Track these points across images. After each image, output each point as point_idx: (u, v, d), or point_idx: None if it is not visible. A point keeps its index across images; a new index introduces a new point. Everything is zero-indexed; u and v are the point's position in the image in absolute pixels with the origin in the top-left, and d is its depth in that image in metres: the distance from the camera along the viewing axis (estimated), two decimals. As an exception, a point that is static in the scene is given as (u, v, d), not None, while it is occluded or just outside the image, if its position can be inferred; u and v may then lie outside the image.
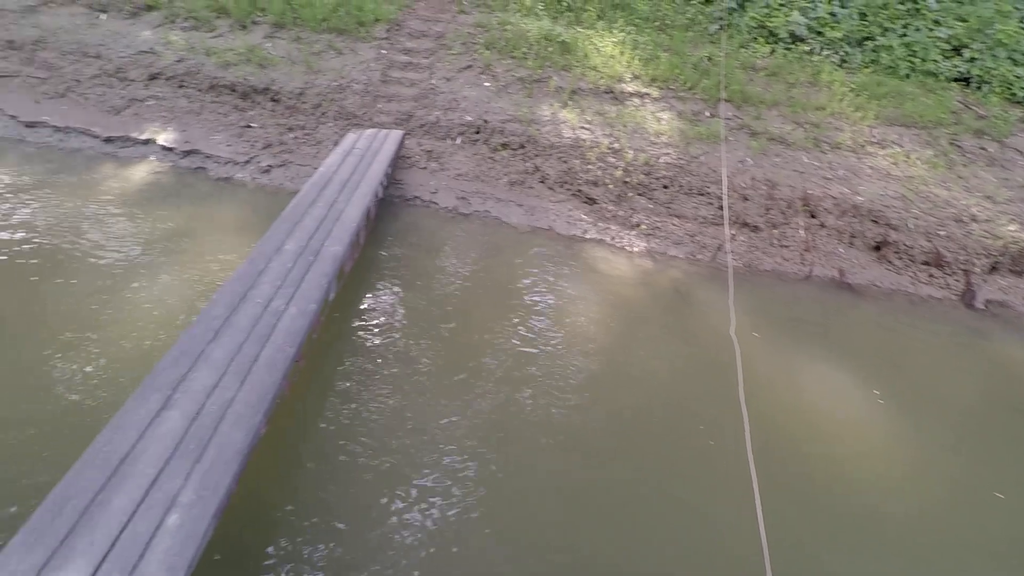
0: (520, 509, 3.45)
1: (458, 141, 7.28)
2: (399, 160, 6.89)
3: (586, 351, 4.75)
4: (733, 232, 6.25)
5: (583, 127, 7.23)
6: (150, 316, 4.36)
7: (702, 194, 6.82)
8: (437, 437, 3.78)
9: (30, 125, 6.97)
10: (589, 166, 6.89)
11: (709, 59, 8.04)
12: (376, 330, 4.61)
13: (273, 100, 7.56)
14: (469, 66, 8.06)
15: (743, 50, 8.29)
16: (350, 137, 6.83)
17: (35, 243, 5.02)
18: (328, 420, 3.75)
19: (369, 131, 7.05)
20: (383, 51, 8.31)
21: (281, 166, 6.83)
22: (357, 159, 6.21)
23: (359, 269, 5.18)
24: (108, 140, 6.93)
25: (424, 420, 3.88)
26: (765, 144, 7.19)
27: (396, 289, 5.14)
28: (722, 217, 6.59)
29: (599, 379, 4.50)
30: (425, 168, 7.02)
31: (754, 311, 5.51)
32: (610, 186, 6.76)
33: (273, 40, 8.29)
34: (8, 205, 5.52)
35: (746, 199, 6.72)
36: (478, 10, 9.12)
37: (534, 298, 5.34)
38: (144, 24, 8.49)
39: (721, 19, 8.65)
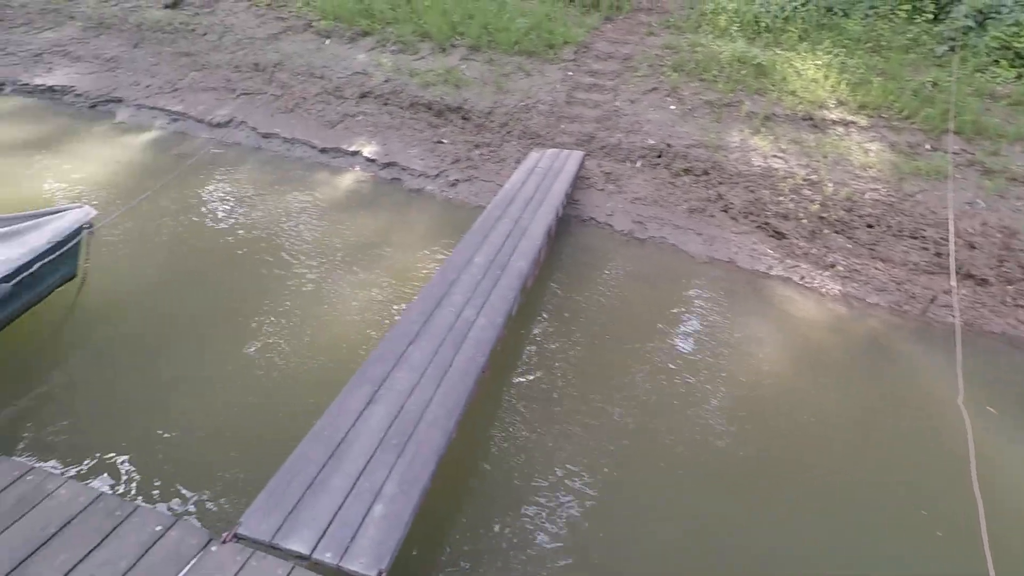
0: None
1: (638, 164, 7.17)
2: (578, 180, 6.94)
3: (763, 399, 4.37)
4: (956, 284, 5.42)
5: (776, 155, 6.76)
6: (353, 310, 4.80)
7: (915, 237, 6.02)
8: (600, 462, 3.69)
9: (266, 136, 8.11)
10: (780, 198, 6.41)
11: (934, 84, 7.12)
12: (547, 347, 4.64)
13: (464, 118, 8.05)
14: (654, 88, 7.94)
15: (979, 75, 7.23)
16: (533, 156, 7.04)
17: (263, 237, 5.79)
18: (496, 431, 3.83)
19: (551, 151, 7.21)
20: (569, 73, 8.49)
21: (467, 181, 7.22)
22: (540, 177, 6.37)
23: (536, 284, 5.28)
24: (323, 151, 7.84)
25: (588, 443, 3.81)
26: (1003, 185, 6.18)
27: (568, 308, 5.15)
28: (937, 265, 5.76)
29: (780, 434, 4.11)
30: (603, 190, 7.01)
31: (982, 380, 4.70)
32: (803, 221, 6.22)
33: (468, 62, 8.85)
34: (246, 204, 6.45)
35: (973, 247, 5.81)
36: (668, 32, 8.98)
37: (709, 333, 5.05)
38: (360, 48, 9.53)
39: (952, 39, 7.64)
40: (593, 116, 7.80)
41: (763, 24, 8.37)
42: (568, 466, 3.65)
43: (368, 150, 7.69)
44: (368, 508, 2.47)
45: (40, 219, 4.23)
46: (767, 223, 6.33)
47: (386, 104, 8.41)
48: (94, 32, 10.39)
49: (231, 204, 6.42)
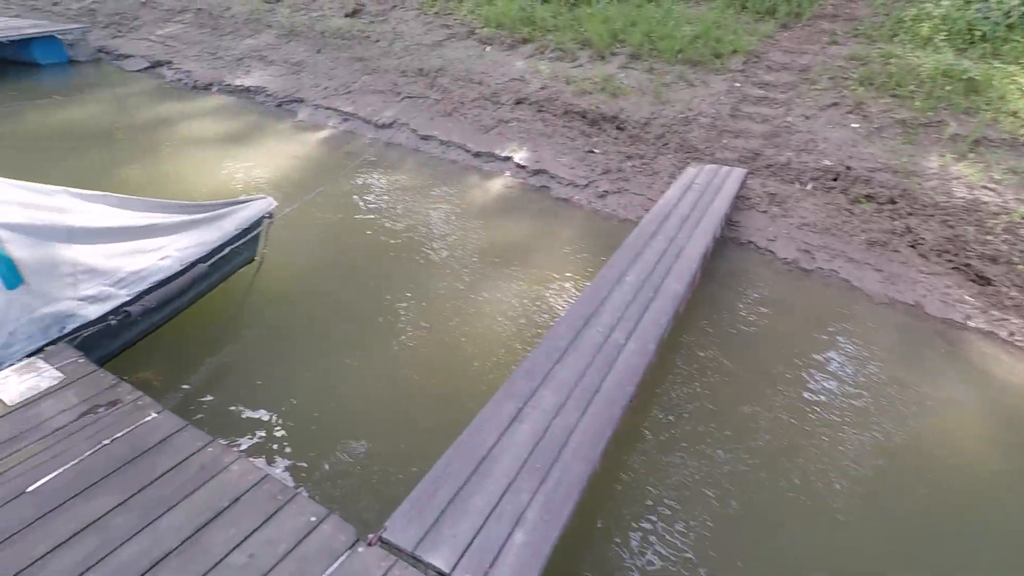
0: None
1: (809, 187, 6.51)
2: (738, 199, 6.45)
3: (958, 486, 3.69)
4: None
5: (986, 187, 5.79)
6: (499, 317, 4.80)
7: None
8: (748, 514, 3.31)
9: (424, 138, 8.47)
10: (988, 236, 5.47)
11: None
12: (693, 380, 4.30)
13: (618, 128, 7.84)
14: (835, 103, 7.18)
15: None
16: (690, 171, 6.66)
17: (416, 236, 6.01)
18: (627, 458, 3.59)
19: (710, 166, 6.78)
20: (736, 84, 7.96)
21: (616, 193, 7.01)
22: (697, 195, 6.00)
23: (687, 309, 4.94)
24: (476, 155, 8.02)
25: (734, 493, 3.44)
26: None
27: (719, 340, 4.75)
28: None
29: (982, 530, 3.44)
30: (765, 212, 6.45)
31: None
32: (1018, 267, 5.25)
33: (627, 70, 8.62)
34: (403, 202, 6.75)
35: None
36: (855, 41, 8.11)
37: (887, 388, 4.39)
38: (519, 55, 9.66)
39: None
40: (760, 131, 7.22)
41: (979, 32, 7.25)
42: (704, 517, 3.32)
43: (519, 156, 7.75)
44: (509, 533, 2.37)
45: (232, 207, 4.68)
46: (968, 265, 5.42)
47: (540, 111, 8.43)
48: (285, 39, 11.56)
49: (389, 202, 6.76)
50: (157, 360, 4.09)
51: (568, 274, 5.47)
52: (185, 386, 3.97)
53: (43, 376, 2.80)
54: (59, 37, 11.51)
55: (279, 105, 9.78)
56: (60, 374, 2.83)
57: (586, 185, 7.17)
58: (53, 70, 11.28)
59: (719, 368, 4.43)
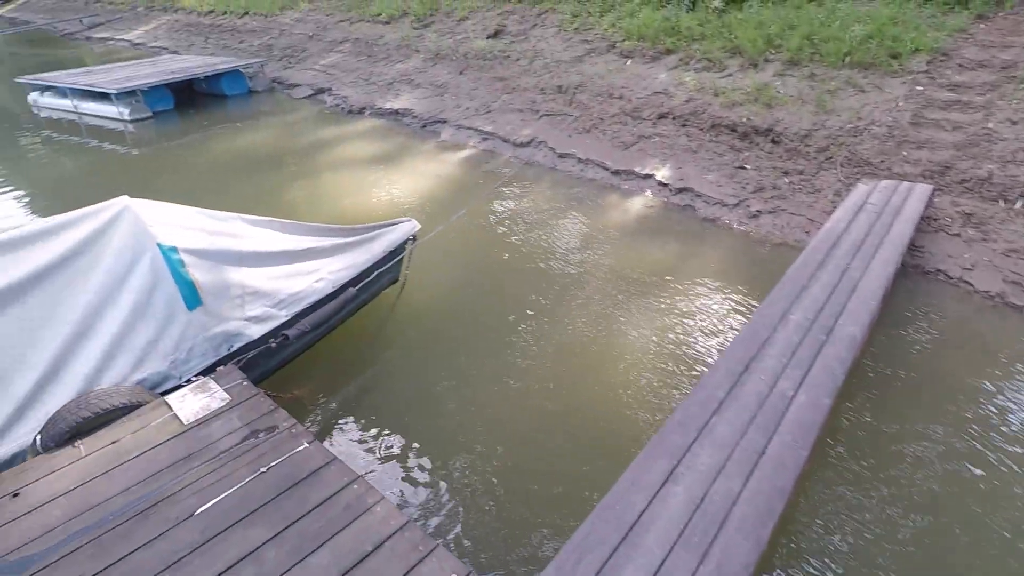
0: None
1: (1018, 205, 5.46)
2: (921, 222, 5.57)
3: None
4: None
5: None
6: (640, 353, 4.50)
7: None
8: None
9: (562, 156, 8.36)
10: None
11: None
12: (865, 445, 3.68)
13: (773, 142, 7.17)
14: (1054, 107, 5.99)
15: None
16: (862, 189, 5.87)
17: (553, 257, 5.87)
18: (792, 533, 3.11)
19: (886, 183, 5.94)
20: (919, 87, 6.95)
21: (771, 212, 6.38)
22: (872, 217, 5.25)
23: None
24: (615, 173, 7.75)
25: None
26: None
27: (900, 392, 4.06)
28: None
29: None
30: (958, 235, 5.51)
31: None
32: None
33: (783, 78, 7.89)
34: (540, 223, 6.67)
35: None
36: (1081, 31, 6.74)
37: None
38: (662, 67, 9.26)
39: None
40: (951, 141, 6.21)
41: None
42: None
43: (661, 174, 7.36)
44: (663, 621, 2.09)
45: (380, 230, 4.85)
46: None
47: (684, 125, 7.97)
48: (431, 62, 12.09)
49: (526, 222, 6.70)
50: (307, 379, 4.30)
51: (719, 306, 5.01)
52: (331, 405, 4.13)
53: (214, 397, 3.00)
54: (242, 70, 13.00)
55: (424, 126, 10.21)
56: (227, 396, 3.01)
57: (736, 204, 6.62)
58: (236, 100, 12.75)
59: (901, 433, 3.76)
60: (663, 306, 5.05)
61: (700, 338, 4.62)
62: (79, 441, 2.75)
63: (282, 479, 2.54)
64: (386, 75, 12.20)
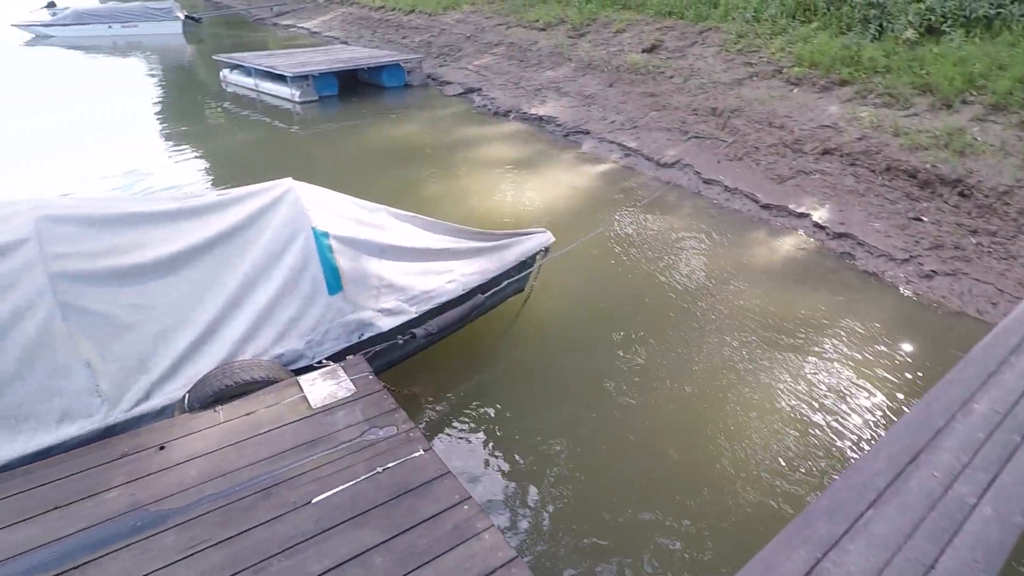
0: None
1: None
2: None
3: None
4: None
5: None
6: (780, 421, 4.07)
7: None
8: None
9: (707, 182, 7.91)
10: None
11: None
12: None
13: (961, 195, 6.28)
14: None
15: None
16: (1076, 264, 4.94)
17: (685, 288, 5.52)
18: None
19: (1110, 262, 4.96)
20: None
21: (949, 275, 5.57)
22: (1089, 301, 4.39)
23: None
24: (765, 207, 7.18)
25: None
26: None
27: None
28: None
29: None
30: None
31: None
32: None
33: (983, 124, 6.90)
34: (675, 249, 6.32)
35: None
36: None
37: None
38: (833, 99, 8.48)
39: None
40: None
41: None
42: None
43: (819, 214, 6.71)
44: None
45: (515, 239, 4.79)
46: None
47: (853, 165, 7.22)
48: (581, 72, 12.02)
49: (661, 247, 6.38)
50: (424, 376, 4.31)
51: (877, 377, 4.42)
52: (445, 408, 4.12)
53: (340, 385, 3.06)
54: (402, 65, 13.73)
55: (566, 135, 10.15)
56: (353, 387, 3.07)
57: (906, 260, 5.86)
58: (393, 92, 13.49)
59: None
60: (808, 364, 4.54)
61: (852, 411, 4.08)
62: (219, 407, 2.91)
63: (395, 484, 2.51)
64: (535, 81, 12.30)
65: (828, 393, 4.23)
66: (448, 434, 3.91)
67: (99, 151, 9.99)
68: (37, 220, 3.08)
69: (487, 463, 3.67)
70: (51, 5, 28.46)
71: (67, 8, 26.78)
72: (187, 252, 3.35)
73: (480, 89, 12.78)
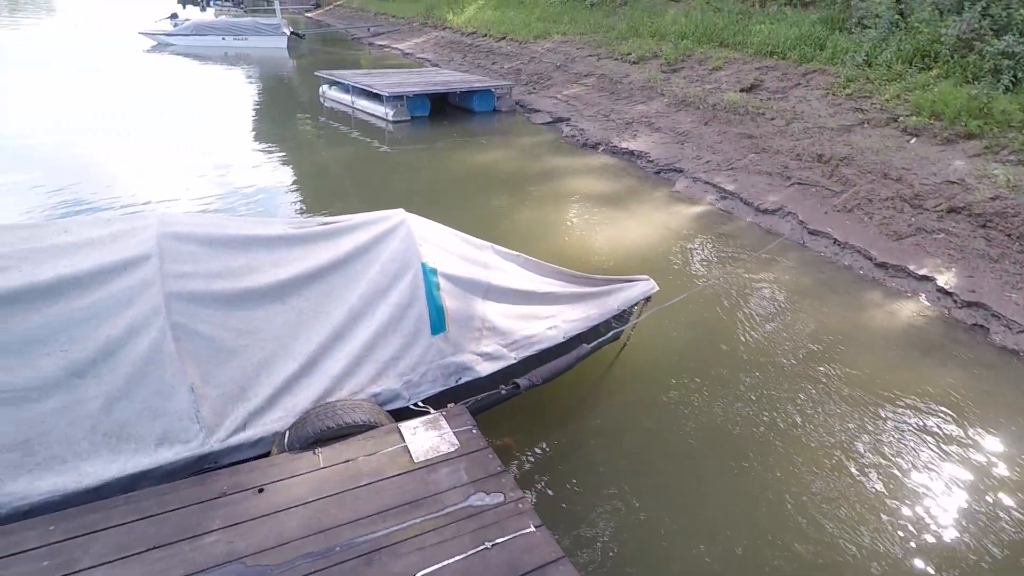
0: None
1: None
2: None
3: None
4: None
5: None
6: (917, 520, 3.59)
7: None
8: None
9: (813, 233, 7.40)
10: None
11: None
12: None
13: (1120, 272, 5.55)
14: None
15: None
16: None
17: (788, 352, 5.07)
18: None
19: None
20: None
21: (1108, 365, 4.88)
22: None
23: None
24: (880, 265, 6.62)
25: None
26: None
27: None
28: None
29: None
30: None
31: None
32: None
33: None
34: (780, 306, 5.88)
35: None
36: None
37: None
38: (958, 152, 7.81)
39: None
40: None
41: None
42: None
43: (944, 279, 6.10)
44: None
45: (619, 285, 4.54)
46: None
47: (984, 227, 6.56)
48: (675, 108, 11.71)
49: (763, 303, 5.96)
50: (506, 423, 4.06)
51: (1025, 476, 3.86)
52: (536, 463, 3.87)
53: (443, 439, 2.87)
54: (493, 90, 13.85)
55: (658, 172, 9.84)
56: (456, 441, 2.87)
57: (1052, 342, 5.19)
58: (482, 117, 13.59)
59: None
60: (946, 466, 4.01)
61: (1011, 526, 3.55)
62: (319, 449, 2.78)
63: (504, 564, 2.27)
64: (626, 114, 12.08)
65: (974, 496, 3.70)
66: (548, 495, 3.64)
67: (205, 150, 10.50)
68: (160, 236, 3.09)
69: (594, 540, 3.38)
70: (173, 16, 30.81)
71: (187, 20, 29.02)
72: (296, 280, 3.28)
73: (569, 119, 12.68)
